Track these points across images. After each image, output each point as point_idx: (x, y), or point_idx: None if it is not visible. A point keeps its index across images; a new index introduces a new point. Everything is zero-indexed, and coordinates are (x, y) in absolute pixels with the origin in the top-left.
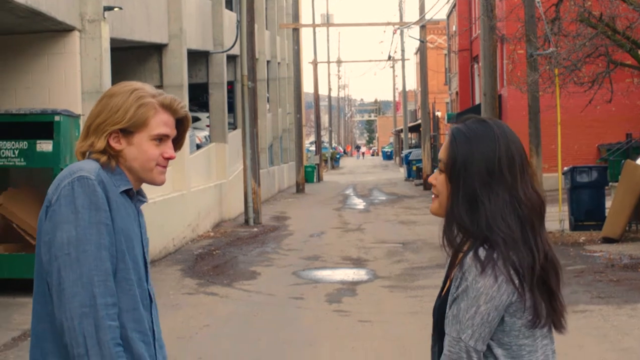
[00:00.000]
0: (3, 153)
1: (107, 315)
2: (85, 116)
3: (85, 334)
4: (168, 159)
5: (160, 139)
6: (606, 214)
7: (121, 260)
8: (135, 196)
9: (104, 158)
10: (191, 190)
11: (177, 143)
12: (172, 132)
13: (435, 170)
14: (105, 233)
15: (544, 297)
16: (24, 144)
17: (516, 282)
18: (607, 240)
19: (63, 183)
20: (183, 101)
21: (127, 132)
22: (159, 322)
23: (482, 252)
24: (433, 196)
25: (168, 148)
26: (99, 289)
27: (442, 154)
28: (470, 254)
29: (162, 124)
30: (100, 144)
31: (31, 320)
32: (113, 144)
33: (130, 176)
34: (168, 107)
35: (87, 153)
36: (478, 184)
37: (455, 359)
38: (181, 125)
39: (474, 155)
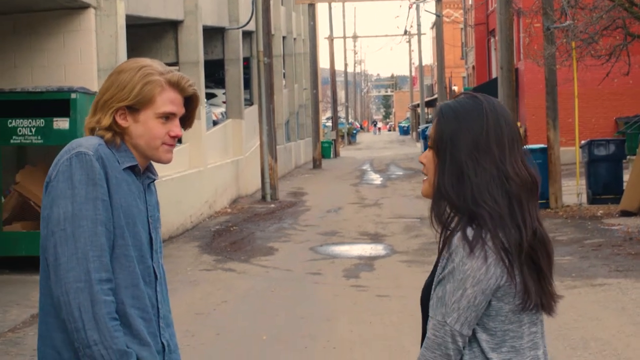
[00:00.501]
0: (20, 131)
1: (102, 291)
2: None
3: (80, 309)
4: (174, 137)
5: (167, 117)
6: (624, 187)
7: (120, 236)
8: (142, 173)
9: (109, 135)
10: (208, 166)
11: (187, 121)
12: (180, 110)
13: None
14: (102, 208)
15: (533, 277)
16: (40, 122)
17: (506, 262)
18: (625, 213)
19: (62, 159)
20: (192, 79)
21: (133, 110)
22: (168, 300)
23: (470, 232)
24: (424, 178)
25: (174, 126)
26: (93, 264)
27: (430, 130)
28: (459, 233)
29: (168, 102)
30: (106, 121)
31: (39, 294)
32: (119, 120)
33: (136, 153)
34: (176, 85)
35: (95, 129)
36: (465, 157)
37: (440, 343)
38: (190, 103)
39: (461, 129)
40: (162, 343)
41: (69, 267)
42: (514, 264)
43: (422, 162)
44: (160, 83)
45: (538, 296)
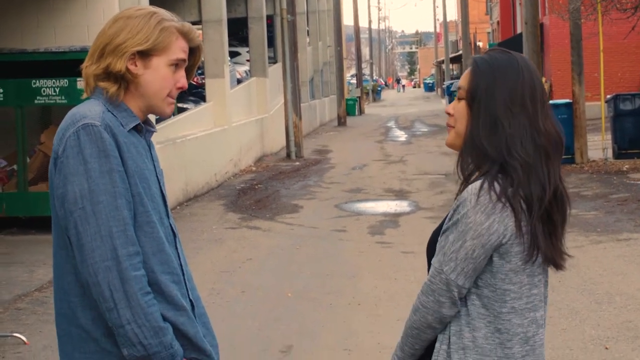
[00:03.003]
0: (44, 91)
1: (130, 266)
2: None
3: (111, 288)
4: (180, 88)
5: (177, 64)
6: None
7: (139, 203)
8: (143, 129)
9: (113, 88)
10: (233, 125)
11: (188, 74)
12: (186, 59)
13: (452, 101)
14: (119, 180)
15: (545, 232)
16: (64, 82)
17: (519, 215)
18: None
19: (68, 133)
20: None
21: (145, 55)
22: (184, 254)
23: (481, 184)
24: (449, 128)
25: (181, 77)
26: (119, 240)
27: (462, 81)
28: (470, 186)
29: (180, 49)
30: (120, 65)
31: (53, 272)
32: (130, 66)
33: (138, 107)
34: (186, 35)
35: (99, 76)
36: (500, 109)
37: (434, 290)
38: (193, 55)
39: (497, 83)
40: (191, 300)
41: (93, 246)
42: (528, 218)
43: (449, 113)
44: (173, 30)
45: (546, 251)
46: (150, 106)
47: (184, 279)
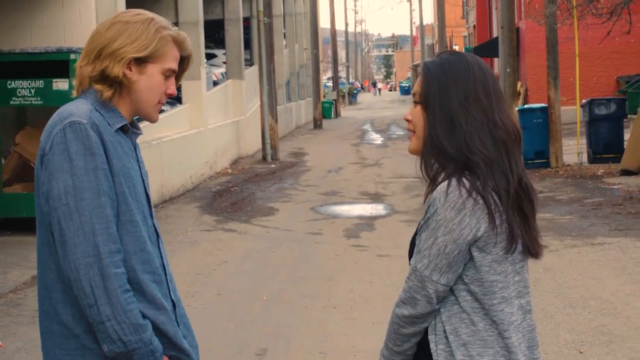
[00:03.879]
0: (20, 92)
1: (112, 263)
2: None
3: (92, 284)
4: (170, 95)
5: (168, 74)
6: (624, 147)
7: (123, 202)
8: (129, 130)
9: (108, 92)
10: (209, 127)
11: (175, 80)
12: (177, 69)
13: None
14: (103, 178)
15: (518, 221)
16: (40, 83)
17: (492, 207)
18: (626, 172)
19: (55, 130)
20: (192, 37)
21: (141, 62)
22: (166, 254)
23: (453, 182)
24: (410, 135)
25: (171, 84)
26: (101, 237)
27: (416, 86)
28: (439, 186)
29: (174, 59)
30: (118, 70)
31: (37, 269)
32: (126, 71)
33: (126, 110)
34: (180, 44)
35: (95, 78)
36: (455, 106)
37: (411, 286)
38: (182, 63)
39: (449, 82)
40: (173, 301)
41: (76, 242)
42: (500, 210)
43: (408, 120)
44: (169, 39)
45: (523, 240)
46: (140, 111)
47: (166, 279)
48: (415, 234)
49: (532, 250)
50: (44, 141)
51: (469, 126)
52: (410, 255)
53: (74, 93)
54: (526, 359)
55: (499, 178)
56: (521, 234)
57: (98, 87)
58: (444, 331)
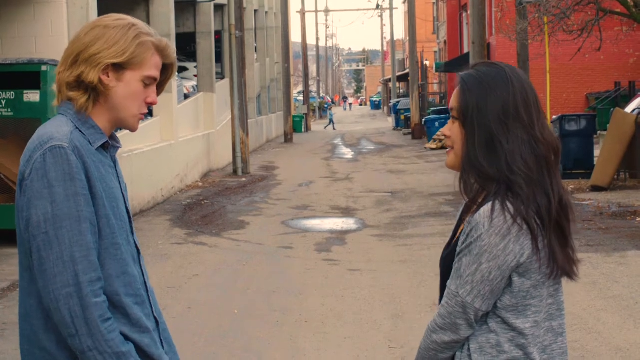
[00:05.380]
0: None
1: (91, 292)
2: None
3: (72, 315)
4: (150, 104)
5: (148, 81)
6: (595, 163)
7: (106, 225)
8: (109, 145)
9: (83, 99)
10: (179, 140)
11: (158, 90)
12: (158, 77)
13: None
14: (84, 204)
15: (559, 244)
16: (11, 94)
17: (535, 232)
18: (596, 188)
19: (35, 155)
20: (173, 46)
21: (119, 68)
22: (146, 269)
23: (497, 207)
24: (448, 149)
25: (152, 92)
26: (81, 266)
27: (453, 101)
28: (482, 209)
29: (154, 66)
30: (94, 76)
31: (19, 293)
32: (103, 77)
33: (106, 120)
34: (162, 51)
35: (71, 85)
36: (494, 125)
37: (451, 312)
38: (166, 71)
39: (488, 98)
40: (155, 318)
41: (55, 272)
42: (543, 233)
43: (445, 135)
44: (150, 46)
45: (563, 264)
46: (119, 119)
47: (148, 297)
48: (447, 252)
49: (570, 273)
50: (23, 165)
51: (509, 145)
52: (443, 274)
53: (55, 102)
54: None
55: (541, 198)
56: (561, 258)
57: (72, 94)
58: (469, 349)
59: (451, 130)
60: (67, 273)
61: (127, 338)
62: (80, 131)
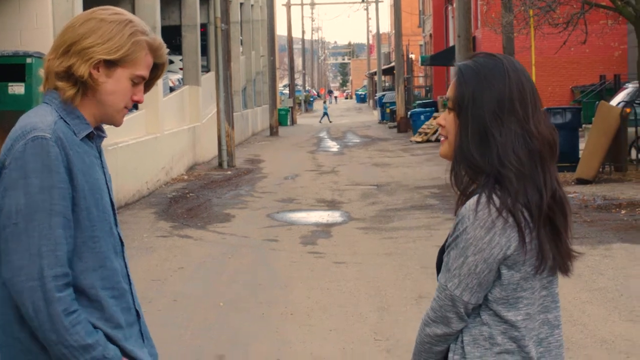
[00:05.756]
0: None
1: (55, 288)
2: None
3: (35, 309)
4: (136, 102)
5: (137, 80)
6: (580, 156)
7: (86, 218)
8: (94, 136)
9: (71, 91)
10: (165, 133)
11: (146, 88)
12: (148, 76)
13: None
14: (58, 197)
15: (549, 238)
16: None
17: (522, 225)
18: (581, 181)
19: (17, 145)
20: (166, 46)
21: (110, 64)
22: (131, 262)
23: (483, 199)
24: (442, 138)
25: (139, 91)
26: (47, 260)
27: (450, 91)
28: (468, 202)
29: (146, 66)
30: (84, 70)
31: None
32: (93, 72)
33: (91, 114)
34: (155, 51)
35: (59, 75)
36: (488, 117)
37: (441, 305)
38: (155, 70)
39: (484, 89)
40: (137, 310)
41: (21, 264)
42: (531, 227)
43: (440, 125)
44: (144, 45)
45: (554, 258)
46: (105, 114)
47: (130, 289)
48: (443, 247)
49: (562, 267)
50: (4, 154)
51: (502, 138)
52: (438, 269)
53: (41, 88)
54: None
55: (532, 193)
56: (552, 251)
57: (60, 84)
58: (462, 341)
59: (446, 120)
60: (32, 266)
61: (94, 327)
62: (65, 121)
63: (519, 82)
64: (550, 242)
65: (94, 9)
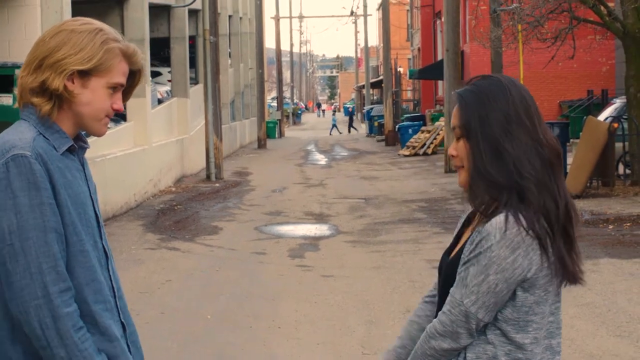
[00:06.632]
0: None
1: (62, 303)
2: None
3: (42, 327)
4: (116, 110)
5: (115, 88)
6: (567, 171)
7: (73, 233)
8: (76, 149)
9: (47, 106)
10: (153, 145)
11: (126, 95)
12: (125, 83)
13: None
14: (50, 213)
15: (566, 249)
16: None
17: (545, 242)
18: None
19: None
20: (142, 53)
21: (84, 75)
22: (117, 273)
23: (506, 218)
24: (459, 169)
25: (118, 99)
26: (49, 277)
27: (454, 120)
28: (494, 220)
29: (121, 73)
30: (58, 83)
31: None
32: (68, 84)
33: (71, 126)
34: (130, 57)
35: (34, 91)
36: (498, 132)
37: (453, 320)
38: (133, 77)
39: (489, 110)
40: (122, 322)
41: (22, 284)
42: (551, 241)
43: (452, 156)
44: (118, 52)
45: (572, 271)
46: (85, 125)
47: (116, 302)
48: (456, 256)
49: (577, 278)
50: None
51: (516, 150)
52: (445, 280)
53: (16, 105)
54: None
55: (549, 203)
56: (571, 266)
57: (36, 100)
58: (465, 358)
59: (457, 149)
60: (35, 285)
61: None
62: (44, 136)
63: (521, 96)
64: (568, 254)
65: (64, 20)
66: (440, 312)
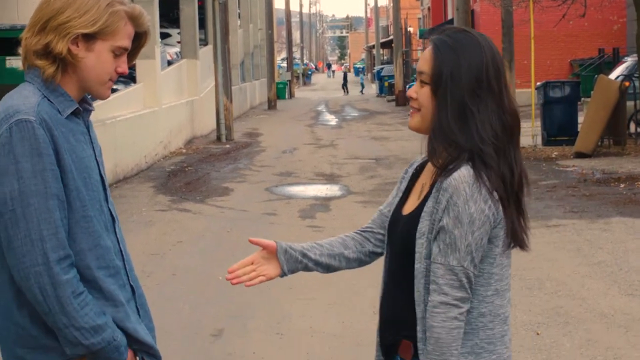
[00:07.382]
0: None
1: (61, 270)
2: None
3: (43, 294)
4: (121, 74)
5: (119, 51)
6: (579, 129)
7: (77, 198)
8: (81, 111)
9: (51, 69)
10: (163, 107)
11: (131, 58)
12: (130, 46)
13: (414, 84)
14: (52, 179)
15: (516, 213)
16: None
17: (504, 200)
18: (580, 155)
19: (0, 129)
20: (149, 14)
21: (89, 38)
22: (124, 237)
23: (470, 172)
24: (412, 110)
25: (122, 62)
26: (49, 244)
27: (423, 65)
28: (457, 174)
29: (126, 36)
30: (62, 47)
31: None
32: (72, 48)
33: (75, 89)
34: (135, 20)
35: (39, 53)
36: (467, 94)
37: (458, 286)
38: (138, 40)
39: (461, 65)
40: (131, 286)
41: (24, 250)
42: (505, 203)
43: (412, 97)
44: (123, 15)
45: (520, 233)
46: (89, 88)
47: (124, 265)
48: (402, 209)
49: (523, 243)
50: None
51: (481, 115)
52: (400, 234)
53: (22, 67)
54: (508, 351)
55: (505, 168)
56: (519, 228)
57: (40, 63)
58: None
59: (418, 93)
60: (35, 251)
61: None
62: (49, 100)
63: (494, 58)
64: (517, 218)
65: None
66: (437, 286)
